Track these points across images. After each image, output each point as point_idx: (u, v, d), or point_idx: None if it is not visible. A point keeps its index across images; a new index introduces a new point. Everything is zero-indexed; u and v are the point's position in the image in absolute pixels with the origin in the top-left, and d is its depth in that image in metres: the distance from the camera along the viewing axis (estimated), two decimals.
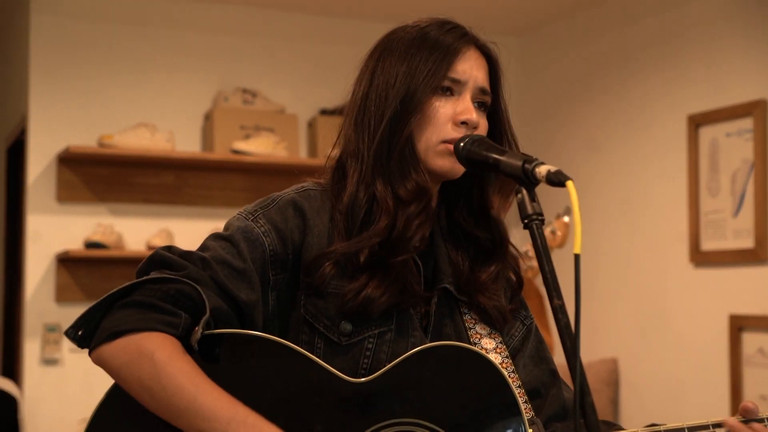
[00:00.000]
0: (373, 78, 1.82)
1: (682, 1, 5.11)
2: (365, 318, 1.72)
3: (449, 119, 1.77)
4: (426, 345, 1.69)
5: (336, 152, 1.87)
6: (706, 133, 4.90)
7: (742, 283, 4.69)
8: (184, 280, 1.62)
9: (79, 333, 1.64)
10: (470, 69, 1.80)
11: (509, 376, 1.78)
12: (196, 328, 1.58)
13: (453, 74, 1.78)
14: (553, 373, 1.92)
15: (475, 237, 1.87)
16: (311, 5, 5.76)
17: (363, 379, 1.67)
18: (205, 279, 1.65)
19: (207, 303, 1.60)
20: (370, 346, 1.73)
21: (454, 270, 1.85)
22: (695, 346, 4.93)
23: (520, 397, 1.77)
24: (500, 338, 1.86)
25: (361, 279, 1.72)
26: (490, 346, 1.84)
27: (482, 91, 1.81)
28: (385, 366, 1.69)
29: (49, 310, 5.20)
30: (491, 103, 1.84)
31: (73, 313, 5.26)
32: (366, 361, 1.72)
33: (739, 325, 4.66)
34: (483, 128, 1.81)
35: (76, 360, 5.15)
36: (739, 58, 4.77)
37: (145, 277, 1.64)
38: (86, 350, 1.65)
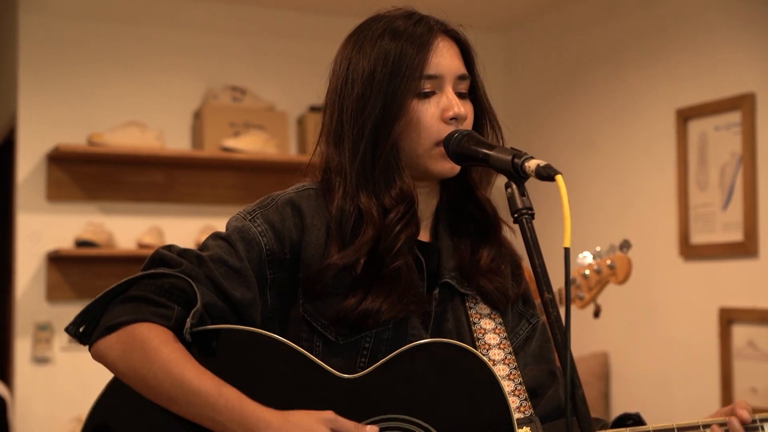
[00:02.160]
0: (347, 84, 1.81)
1: None
2: (364, 325, 1.73)
3: (437, 119, 1.76)
4: (417, 342, 1.68)
5: (317, 156, 1.88)
6: (695, 127, 4.91)
7: (732, 276, 4.71)
8: (178, 274, 1.67)
9: (80, 330, 1.69)
10: (444, 60, 1.78)
11: (511, 372, 1.79)
12: (188, 318, 1.62)
13: (429, 71, 1.76)
14: (552, 373, 1.91)
15: (469, 215, 1.87)
16: (300, 3, 5.75)
17: (354, 375, 1.67)
18: (200, 275, 1.68)
19: (199, 296, 1.64)
20: (367, 345, 1.73)
21: (458, 260, 1.84)
22: (685, 340, 4.95)
23: (520, 394, 1.78)
24: (505, 333, 1.85)
25: (358, 293, 1.73)
26: (493, 342, 1.83)
27: (461, 77, 1.79)
28: (394, 352, 1.69)
29: (40, 309, 5.20)
30: (470, 85, 1.82)
31: (64, 311, 5.29)
32: (363, 360, 1.72)
33: (728, 318, 4.68)
34: (470, 115, 1.80)
35: (67, 358, 5.15)
36: (727, 52, 4.78)
37: (140, 273, 1.70)
38: (81, 347, 1.70)
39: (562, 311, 1.51)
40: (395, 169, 1.76)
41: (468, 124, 1.79)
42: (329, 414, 1.60)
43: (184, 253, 1.73)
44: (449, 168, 1.77)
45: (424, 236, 1.85)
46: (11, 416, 4.59)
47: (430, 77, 1.76)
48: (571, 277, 3.48)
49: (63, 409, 5.08)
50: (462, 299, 1.85)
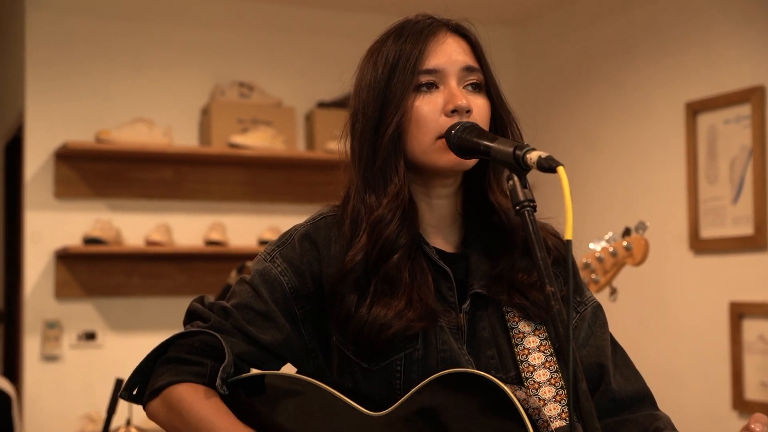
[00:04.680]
0: (359, 92, 1.81)
1: None
2: (387, 346, 1.71)
3: (438, 113, 1.73)
4: (439, 373, 1.63)
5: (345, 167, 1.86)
6: (704, 121, 4.89)
7: (742, 270, 4.68)
8: (207, 331, 1.75)
9: (134, 393, 1.81)
10: (444, 54, 1.75)
11: (552, 377, 1.73)
12: (219, 374, 1.70)
13: (425, 66, 1.74)
14: (601, 366, 1.83)
15: (493, 225, 1.82)
16: None
17: (382, 413, 1.66)
18: (227, 327, 1.76)
19: (227, 350, 1.71)
20: (398, 368, 1.71)
21: (488, 269, 1.79)
22: (695, 334, 4.92)
23: (562, 400, 1.71)
24: (545, 334, 1.78)
25: (365, 305, 1.71)
26: (533, 345, 1.77)
27: (468, 69, 1.76)
28: (417, 386, 1.66)
29: (48, 307, 5.20)
30: (486, 79, 1.79)
31: (72, 309, 5.31)
32: (398, 382, 1.71)
33: (739, 313, 4.66)
34: (482, 109, 1.76)
35: (76, 356, 5.15)
36: (737, 45, 4.76)
37: (176, 333, 1.79)
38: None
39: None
40: (392, 166, 1.74)
41: (480, 118, 1.75)
42: None
43: (212, 306, 1.80)
44: (456, 161, 1.72)
45: (449, 245, 1.83)
46: (16, 413, 4.58)
47: (429, 71, 1.74)
48: (585, 261, 3.46)
49: (72, 406, 5.09)
50: (497, 305, 1.79)
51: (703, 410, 4.81)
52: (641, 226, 3.42)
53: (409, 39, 1.76)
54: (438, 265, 1.78)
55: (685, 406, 4.85)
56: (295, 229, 1.83)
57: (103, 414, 3.27)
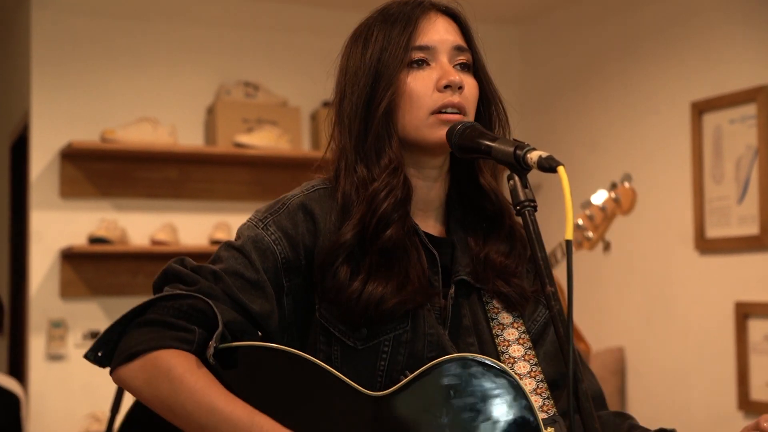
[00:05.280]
0: (346, 72, 1.83)
1: None
2: (380, 320, 1.69)
3: (431, 89, 1.74)
4: (445, 357, 1.63)
5: (332, 147, 1.86)
6: (710, 120, 4.88)
7: (748, 270, 4.68)
8: (196, 294, 1.64)
9: (99, 354, 1.67)
10: (436, 33, 1.77)
11: (532, 370, 1.75)
12: (210, 343, 1.59)
13: (418, 43, 1.76)
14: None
15: (482, 209, 1.84)
16: None
17: (382, 393, 1.63)
18: (218, 293, 1.66)
19: (219, 317, 1.61)
20: (386, 348, 1.70)
21: (471, 256, 1.81)
22: (701, 334, 4.92)
23: (542, 392, 1.74)
24: (523, 327, 1.81)
25: (360, 278, 1.69)
26: (512, 337, 1.79)
27: (458, 49, 1.78)
28: (401, 367, 1.68)
29: (53, 306, 5.21)
30: (474, 61, 1.81)
31: (77, 308, 5.31)
32: (383, 363, 1.69)
33: (744, 313, 4.65)
34: (472, 88, 1.78)
35: (80, 355, 5.14)
36: (742, 45, 4.75)
37: (158, 295, 1.66)
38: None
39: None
40: (385, 139, 1.74)
41: (471, 96, 1.77)
42: None
43: (199, 269, 1.69)
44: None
45: (435, 230, 1.83)
46: (25, 413, 4.59)
47: (421, 48, 1.76)
48: (577, 222, 3.49)
49: (77, 405, 5.09)
50: (479, 294, 1.81)
51: (708, 410, 4.80)
52: (627, 177, 3.45)
53: (401, 18, 1.77)
54: (427, 249, 1.78)
55: (691, 406, 4.84)
56: (288, 198, 1.78)
57: (108, 413, 3.28)
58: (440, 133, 1.73)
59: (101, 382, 5.22)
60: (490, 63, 1.86)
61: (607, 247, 3.42)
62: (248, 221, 1.76)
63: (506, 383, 1.60)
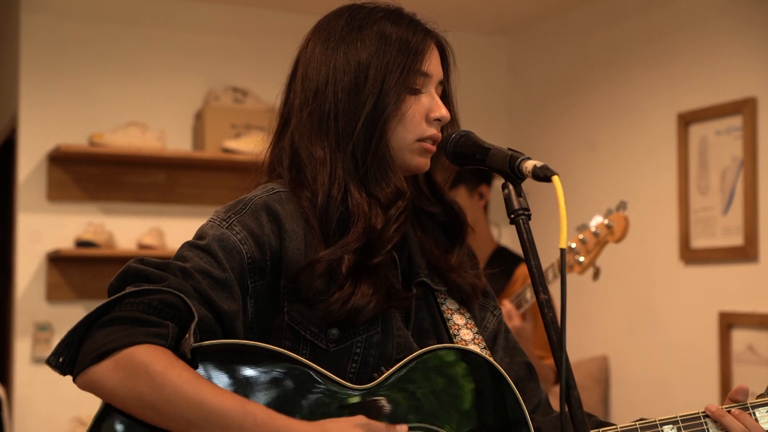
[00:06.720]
0: (322, 72, 1.80)
1: None
2: (352, 323, 1.69)
3: (422, 117, 1.77)
4: (427, 348, 1.67)
5: (273, 152, 1.85)
6: (696, 131, 4.91)
7: (732, 280, 4.71)
8: (167, 289, 1.57)
9: (60, 360, 1.59)
10: (434, 62, 1.80)
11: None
12: (186, 336, 1.53)
13: (425, 68, 1.77)
14: (529, 365, 1.91)
15: (433, 215, 1.87)
16: (300, 4, 5.74)
17: (367, 385, 1.65)
18: (188, 289, 1.60)
19: (194, 310, 1.56)
20: (358, 350, 1.70)
21: (427, 258, 1.84)
22: (685, 344, 4.94)
23: None
24: (476, 328, 1.85)
25: (346, 288, 1.68)
26: (468, 337, 1.82)
27: (441, 82, 1.82)
28: (371, 369, 1.69)
29: (40, 309, 5.20)
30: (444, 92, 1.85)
31: (64, 312, 5.30)
32: (354, 365, 1.69)
33: (728, 323, 4.68)
34: (447, 120, 1.81)
35: None
36: (729, 56, 4.78)
37: (122, 292, 1.58)
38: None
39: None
40: (389, 166, 1.75)
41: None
42: (362, 419, 1.57)
43: (166, 266, 1.63)
44: (424, 164, 1.79)
45: None
46: (7, 416, 4.58)
47: (424, 74, 1.77)
48: (570, 244, 3.51)
49: (62, 409, 5.08)
50: (434, 296, 1.84)
51: None
52: (622, 206, 3.48)
53: (406, 39, 1.77)
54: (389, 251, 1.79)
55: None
56: (249, 198, 1.74)
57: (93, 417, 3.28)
58: (421, 160, 1.78)
59: None
60: (479, 72, 1.89)
61: (596, 274, 3.45)
62: (210, 221, 1.72)
63: (487, 368, 1.68)
